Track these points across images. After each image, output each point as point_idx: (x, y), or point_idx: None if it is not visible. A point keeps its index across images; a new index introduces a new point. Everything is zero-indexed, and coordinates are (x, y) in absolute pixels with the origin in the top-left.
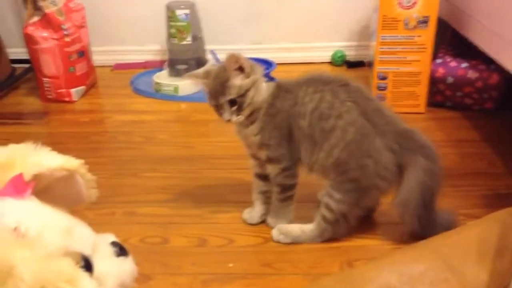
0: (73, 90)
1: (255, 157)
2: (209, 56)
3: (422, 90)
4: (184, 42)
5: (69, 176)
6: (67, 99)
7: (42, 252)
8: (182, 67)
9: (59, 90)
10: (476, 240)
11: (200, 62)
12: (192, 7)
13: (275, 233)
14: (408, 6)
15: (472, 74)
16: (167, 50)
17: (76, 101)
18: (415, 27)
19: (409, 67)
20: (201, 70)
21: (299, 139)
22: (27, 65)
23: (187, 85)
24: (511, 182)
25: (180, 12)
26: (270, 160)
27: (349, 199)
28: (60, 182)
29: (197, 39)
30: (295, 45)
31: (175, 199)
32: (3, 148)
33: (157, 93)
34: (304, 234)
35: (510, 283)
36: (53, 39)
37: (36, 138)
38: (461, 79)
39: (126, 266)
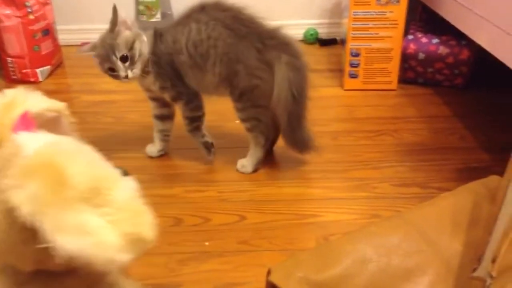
0: (38, 70)
1: (153, 99)
2: None
3: (394, 67)
4: (153, 19)
5: (56, 119)
6: (32, 79)
7: (85, 158)
8: None
9: (24, 70)
10: (450, 211)
11: None
12: None
13: (238, 166)
14: None
15: (443, 50)
16: None
17: (42, 81)
18: (387, 2)
19: (381, 43)
20: (89, 45)
21: (186, 73)
22: None
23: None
24: (481, 156)
25: None
26: (173, 99)
27: (246, 103)
28: (49, 124)
29: (167, 16)
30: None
31: (149, 179)
32: (7, 90)
33: None
34: (253, 155)
35: (484, 253)
36: (16, 16)
37: None
38: (432, 55)
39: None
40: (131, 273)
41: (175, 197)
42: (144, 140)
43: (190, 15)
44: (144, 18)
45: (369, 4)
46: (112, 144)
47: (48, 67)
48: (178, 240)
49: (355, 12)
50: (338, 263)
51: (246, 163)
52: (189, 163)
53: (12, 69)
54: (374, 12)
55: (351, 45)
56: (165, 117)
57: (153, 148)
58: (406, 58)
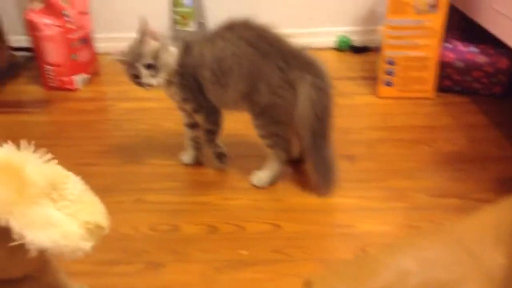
0: (76, 78)
1: (182, 109)
2: None
3: (430, 75)
4: (188, 29)
5: None
6: (69, 87)
7: (36, 159)
8: None
9: (62, 78)
10: (493, 224)
11: None
12: None
13: (254, 179)
14: None
15: (481, 59)
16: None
17: (79, 89)
18: (425, 11)
19: (418, 51)
20: (118, 52)
21: (207, 88)
22: (28, 53)
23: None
24: None
25: None
26: (194, 111)
27: (267, 120)
28: None
29: (201, 26)
30: (299, 31)
31: (183, 186)
32: None
33: None
34: (271, 169)
35: None
36: (56, 26)
37: (39, 127)
38: (470, 63)
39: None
40: (167, 280)
41: (209, 205)
42: (178, 147)
43: (218, 32)
44: (179, 27)
45: (407, 13)
46: (147, 151)
47: (85, 74)
48: (213, 247)
49: (391, 20)
50: (379, 276)
51: (263, 176)
52: (224, 171)
53: (51, 76)
54: (412, 21)
55: (386, 53)
56: (194, 125)
57: (186, 156)
58: (443, 66)
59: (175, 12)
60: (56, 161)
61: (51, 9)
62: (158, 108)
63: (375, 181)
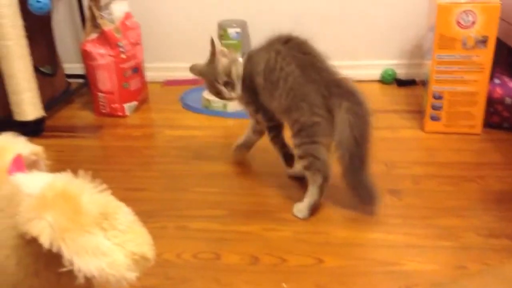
0: (126, 105)
1: (252, 117)
2: None
3: (478, 111)
4: None
5: (35, 162)
6: (120, 113)
7: (90, 188)
8: None
9: (113, 105)
10: None
11: None
12: (243, 25)
13: (294, 210)
14: (467, 25)
15: None
16: None
17: (128, 115)
18: (473, 46)
19: (466, 86)
20: (198, 68)
21: (260, 93)
22: (81, 80)
23: (235, 102)
24: None
25: (232, 31)
26: (255, 112)
27: (304, 139)
28: (29, 168)
29: None
30: (344, 63)
31: (227, 215)
32: None
33: (206, 109)
34: (310, 196)
35: None
36: (110, 55)
37: (89, 151)
38: None
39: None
40: None
41: (252, 235)
42: (222, 175)
43: (274, 44)
44: None
45: (454, 48)
46: (191, 178)
47: (135, 102)
48: (255, 279)
49: (439, 55)
50: None
51: (302, 207)
52: (268, 201)
53: (102, 103)
54: (460, 55)
55: (434, 87)
56: (261, 132)
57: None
58: (491, 102)
59: (222, 45)
60: (110, 191)
61: (106, 40)
62: (203, 136)
63: (422, 218)
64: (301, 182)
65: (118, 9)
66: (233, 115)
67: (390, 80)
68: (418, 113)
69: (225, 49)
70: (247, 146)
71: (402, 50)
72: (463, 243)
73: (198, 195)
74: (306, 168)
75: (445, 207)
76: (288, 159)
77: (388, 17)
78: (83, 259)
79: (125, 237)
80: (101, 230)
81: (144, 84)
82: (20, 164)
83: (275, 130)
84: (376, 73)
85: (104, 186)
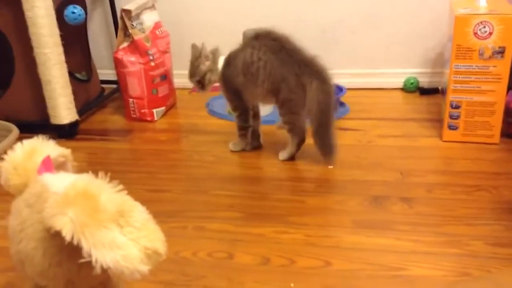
0: (155, 111)
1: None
2: None
3: (496, 121)
4: None
5: (63, 163)
6: (149, 118)
7: (109, 188)
8: None
9: (143, 110)
10: None
11: None
12: None
13: (279, 156)
14: (484, 36)
15: None
16: None
17: (156, 120)
18: (490, 57)
19: (483, 96)
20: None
21: (242, 89)
22: (114, 86)
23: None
24: None
25: None
26: (232, 110)
27: (286, 110)
28: (57, 168)
29: None
30: (367, 71)
31: (242, 217)
32: (25, 141)
33: (230, 116)
34: (289, 149)
35: None
36: (140, 63)
37: (119, 154)
38: None
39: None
40: None
41: (264, 237)
42: (240, 178)
43: (248, 42)
44: None
45: (471, 58)
46: (212, 181)
47: (163, 108)
48: (265, 278)
49: (456, 65)
50: None
51: (284, 154)
52: (280, 205)
53: (133, 108)
54: (477, 66)
55: (451, 97)
56: (254, 117)
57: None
58: (509, 112)
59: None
60: (126, 191)
61: (136, 48)
62: (225, 142)
63: (431, 225)
64: (314, 187)
65: (148, 19)
66: None
67: (413, 89)
68: (438, 122)
69: (210, 55)
70: (254, 135)
71: (424, 58)
72: (470, 251)
73: (216, 197)
74: (288, 131)
75: (455, 216)
76: (245, 146)
77: (411, 25)
78: (100, 251)
79: (139, 233)
80: (117, 226)
81: (172, 90)
82: (49, 165)
83: (246, 130)
84: (398, 82)
85: (121, 186)
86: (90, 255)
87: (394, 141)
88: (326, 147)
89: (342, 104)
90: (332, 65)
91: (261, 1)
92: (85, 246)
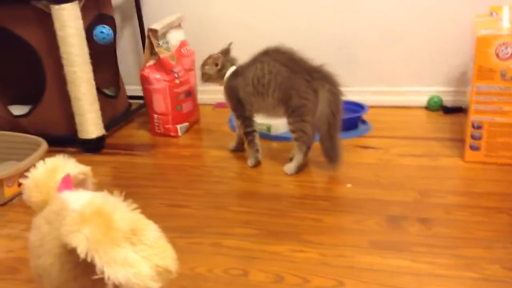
0: (178, 126)
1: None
2: None
3: None
4: None
5: (83, 180)
6: (173, 134)
7: (123, 207)
8: None
9: (167, 126)
10: None
11: None
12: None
13: (285, 169)
14: (506, 57)
15: None
16: None
17: (180, 136)
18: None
19: (505, 118)
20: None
21: (249, 100)
22: (140, 101)
23: (279, 125)
24: None
25: None
26: (236, 118)
27: (295, 118)
28: (78, 185)
29: None
30: (390, 89)
31: (258, 234)
32: (47, 159)
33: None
34: (297, 160)
35: None
36: (165, 80)
37: (142, 168)
38: None
39: None
40: None
41: (280, 255)
42: (257, 195)
43: (257, 58)
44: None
45: (493, 79)
46: (230, 198)
47: (187, 123)
48: None
49: (478, 86)
50: None
51: (291, 167)
52: (297, 223)
53: (157, 124)
54: (498, 87)
55: (473, 117)
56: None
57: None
58: None
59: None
60: (139, 210)
61: (162, 66)
62: (245, 158)
63: (448, 247)
64: (331, 205)
65: (174, 38)
66: (276, 138)
67: (436, 107)
68: (460, 141)
69: (219, 58)
70: (240, 143)
71: (448, 77)
72: (487, 275)
73: (234, 214)
74: (296, 139)
75: (473, 238)
76: (256, 156)
77: (435, 43)
78: (112, 269)
79: (151, 251)
80: (130, 244)
81: (196, 106)
82: (69, 182)
83: (252, 135)
84: (422, 100)
85: (135, 205)
86: (103, 272)
87: (414, 160)
88: (333, 150)
89: (363, 121)
90: (353, 82)
91: (279, 17)
92: (99, 263)
